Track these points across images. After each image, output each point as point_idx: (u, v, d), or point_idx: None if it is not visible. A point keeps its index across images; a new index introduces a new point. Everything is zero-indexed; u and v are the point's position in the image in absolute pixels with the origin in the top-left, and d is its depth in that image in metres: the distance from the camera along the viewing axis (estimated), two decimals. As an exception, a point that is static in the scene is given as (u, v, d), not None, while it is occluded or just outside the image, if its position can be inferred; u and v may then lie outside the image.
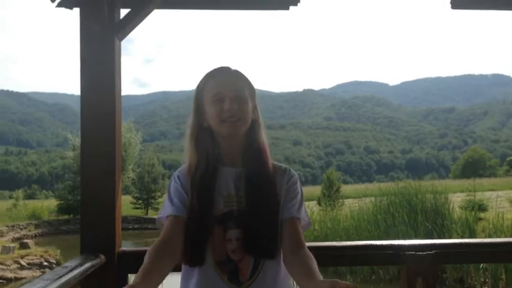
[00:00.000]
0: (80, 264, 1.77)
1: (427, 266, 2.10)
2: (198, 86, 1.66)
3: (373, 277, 11.44)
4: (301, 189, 1.69)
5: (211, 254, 1.55)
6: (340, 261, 2.48)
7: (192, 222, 1.55)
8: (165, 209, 1.63)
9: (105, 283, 2.02)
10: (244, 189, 1.59)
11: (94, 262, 1.89)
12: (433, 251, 2.11)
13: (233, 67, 1.69)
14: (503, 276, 9.56)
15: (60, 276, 1.55)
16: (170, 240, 1.53)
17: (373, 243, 2.25)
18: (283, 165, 1.70)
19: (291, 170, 1.69)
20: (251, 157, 1.62)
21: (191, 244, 1.55)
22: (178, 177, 1.66)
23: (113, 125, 2.15)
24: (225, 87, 1.61)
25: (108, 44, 2.18)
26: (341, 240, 12.12)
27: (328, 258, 2.30)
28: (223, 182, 1.61)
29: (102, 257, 1.98)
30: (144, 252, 2.29)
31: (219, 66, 1.68)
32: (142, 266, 1.45)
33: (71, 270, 1.66)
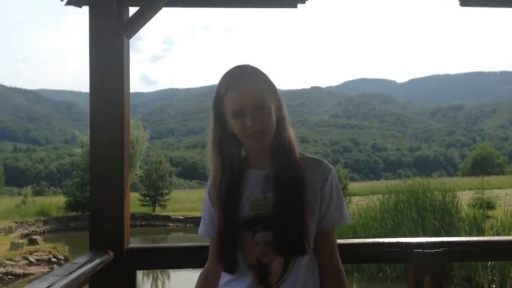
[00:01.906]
0: (89, 261, 1.79)
1: (434, 264, 2.10)
2: (217, 93, 1.58)
3: (380, 275, 11.42)
4: (337, 182, 1.64)
5: (242, 258, 1.56)
6: (347, 259, 2.48)
7: (221, 231, 1.57)
8: (200, 226, 1.73)
9: (114, 279, 2.04)
10: (272, 191, 1.55)
11: (103, 258, 1.90)
12: (441, 249, 2.11)
13: (249, 64, 1.60)
14: (512, 275, 9.51)
15: (70, 272, 1.56)
16: (212, 266, 1.68)
17: (381, 241, 2.25)
18: (316, 157, 1.65)
19: (327, 164, 1.63)
20: (278, 156, 1.58)
21: (222, 253, 1.59)
22: (208, 193, 1.67)
23: (122, 122, 2.16)
24: (246, 100, 1.51)
25: (117, 41, 2.19)
26: (348, 238, 12.10)
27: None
28: (250, 186, 1.58)
29: (111, 253, 2.00)
30: (152, 249, 2.32)
31: (236, 68, 1.59)
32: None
33: (80, 267, 1.67)
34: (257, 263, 1.55)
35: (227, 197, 1.56)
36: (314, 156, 1.65)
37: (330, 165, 1.62)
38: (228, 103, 1.54)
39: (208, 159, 1.62)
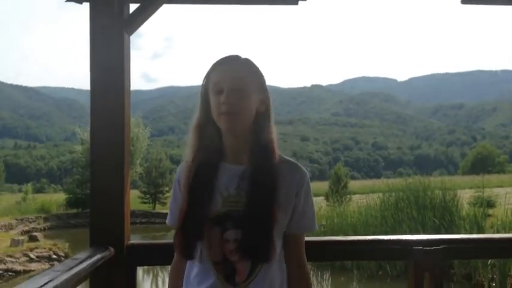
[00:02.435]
0: (90, 256, 1.79)
1: (434, 261, 2.10)
2: (205, 75, 1.59)
3: (380, 272, 11.43)
4: (311, 189, 1.63)
5: (208, 254, 1.53)
6: (347, 256, 2.49)
7: (183, 218, 1.53)
8: (168, 215, 1.69)
9: (114, 275, 2.04)
10: (247, 188, 1.51)
11: (103, 254, 1.91)
12: (441, 246, 2.11)
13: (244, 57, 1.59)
14: (512, 273, 9.52)
15: (71, 268, 1.57)
16: (179, 262, 1.66)
17: (381, 238, 2.25)
18: (293, 160, 1.62)
19: (303, 168, 1.61)
20: (257, 155, 1.54)
21: (183, 241, 1.55)
22: (178, 180, 1.64)
23: (122, 120, 2.16)
24: (226, 77, 1.52)
25: (118, 38, 2.19)
26: (348, 236, 12.12)
27: (335, 252, 2.30)
28: (224, 181, 1.54)
29: (112, 249, 2.00)
30: (152, 245, 2.32)
31: (227, 55, 1.59)
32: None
33: (81, 262, 1.67)
34: (223, 260, 1.52)
35: (198, 187, 1.53)
36: (291, 160, 1.62)
37: (305, 170, 1.61)
38: (211, 81, 1.55)
39: (187, 144, 1.60)
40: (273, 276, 1.55)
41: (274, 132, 1.59)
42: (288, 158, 1.62)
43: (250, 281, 1.52)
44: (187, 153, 1.60)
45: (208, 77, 1.58)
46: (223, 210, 1.52)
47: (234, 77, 1.52)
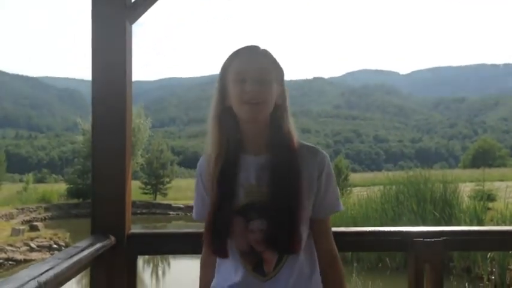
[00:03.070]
0: (91, 245, 1.79)
1: (435, 253, 2.10)
2: (223, 65, 1.58)
3: (380, 265, 11.46)
4: (332, 171, 1.63)
5: (235, 244, 1.54)
6: (347, 247, 2.49)
7: (212, 215, 1.55)
8: (194, 209, 1.73)
9: (115, 263, 2.04)
10: (267, 180, 1.52)
11: (104, 243, 1.91)
12: (442, 238, 2.10)
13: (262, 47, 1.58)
14: None
15: (72, 256, 1.57)
16: (207, 254, 1.68)
17: (381, 230, 2.24)
18: (312, 144, 1.62)
19: (323, 152, 1.60)
20: (276, 145, 1.54)
21: (213, 237, 1.55)
22: (200, 174, 1.66)
23: (123, 110, 2.15)
24: (249, 66, 1.52)
25: (119, 27, 2.17)
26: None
27: (336, 244, 2.30)
28: (245, 172, 1.55)
29: (112, 238, 2.00)
30: (153, 234, 2.32)
31: (247, 45, 1.58)
32: (200, 282, 1.72)
33: (82, 250, 1.67)
34: (250, 250, 1.53)
35: (222, 179, 1.54)
36: (310, 144, 1.62)
37: (324, 152, 1.60)
38: (232, 69, 1.54)
39: (208, 136, 1.59)
40: (302, 265, 1.56)
41: (293, 123, 1.59)
42: (307, 143, 1.62)
43: (278, 270, 1.53)
44: (208, 145, 1.60)
45: (227, 67, 1.56)
46: (246, 201, 1.53)
47: (258, 66, 1.52)
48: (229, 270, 1.57)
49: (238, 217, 1.52)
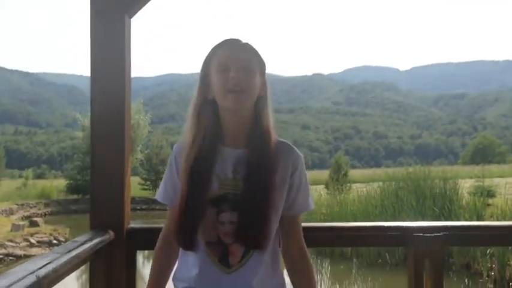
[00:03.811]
0: (90, 239, 1.79)
1: (435, 248, 2.10)
2: (206, 58, 1.58)
3: (379, 261, 11.48)
4: (305, 172, 1.63)
5: (201, 234, 1.52)
6: (347, 243, 2.49)
7: (183, 205, 1.52)
8: (160, 191, 1.70)
9: (114, 258, 2.04)
10: (243, 172, 1.52)
11: (103, 238, 1.90)
12: (441, 233, 2.10)
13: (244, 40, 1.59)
14: (511, 262, 9.54)
15: (70, 250, 1.56)
16: (169, 238, 1.65)
17: (381, 225, 2.24)
18: (287, 141, 1.62)
19: (297, 150, 1.61)
20: (255, 138, 1.54)
21: (182, 228, 1.53)
22: (175, 158, 1.64)
23: (123, 105, 2.14)
24: (233, 56, 1.52)
25: (118, 21, 2.16)
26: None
27: (335, 239, 2.30)
28: (222, 164, 1.54)
29: (112, 233, 2.00)
30: (152, 229, 2.32)
31: (228, 38, 1.59)
32: (152, 268, 1.69)
33: (81, 245, 1.67)
34: (217, 241, 1.52)
35: (196, 170, 1.53)
36: (284, 140, 1.62)
37: (298, 151, 1.61)
38: (215, 60, 1.54)
39: (185, 128, 1.60)
40: (267, 261, 1.56)
41: (272, 118, 1.59)
42: (282, 140, 1.62)
43: (243, 263, 1.53)
44: (185, 135, 1.60)
45: (210, 58, 1.57)
46: (220, 192, 1.53)
47: (242, 56, 1.53)
48: (192, 260, 1.56)
49: (210, 208, 1.52)
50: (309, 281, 1.64)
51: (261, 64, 1.58)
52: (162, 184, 1.69)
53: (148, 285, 1.68)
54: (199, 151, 1.53)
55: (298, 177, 1.59)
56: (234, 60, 1.51)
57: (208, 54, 1.58)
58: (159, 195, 1.70)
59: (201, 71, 1.59)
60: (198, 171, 1.52)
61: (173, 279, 1.66)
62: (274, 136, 1.58)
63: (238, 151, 1.55)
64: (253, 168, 1.51)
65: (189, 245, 1.54)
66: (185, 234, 1.53)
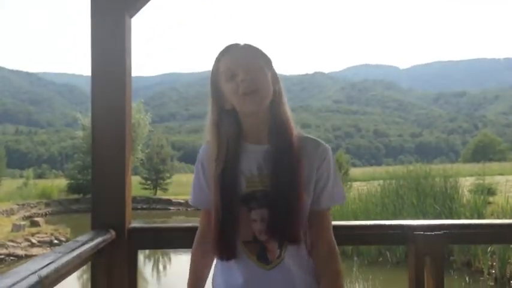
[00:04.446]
0: (91, 239, 1.79)
1: (435, 246, 2.09)
2: (212, 70, 1.59)
3: (380, 259, 11.48)
4: (334, 164, 1.61)
5: (239, 235, 1.54)
6: (348, 241, 2.49)
7: (217, 211, 1.54)
8: (191, 196, 1.72)
9: (116, 257, 2.04)
10: (268, 168, 1.53)
11: (105, 237, 1.90)
12: (442, 232, 2.10)
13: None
14: (512, 260, 9.55)
15: (72, 250, 1.56)
16: (204, 239, 1.68)
17: (382, 223, 2.24)
18: (315, 138, 1.62)
19: (325, 144, 1.60)
20: (276, 133, 1.55)
21: (221, 238, 1.55)
22: (201, 162, 1.65)
23: (123, 105, 2.14)
24: (237, 61, 1.52)
25: (118, 21, 2.15)
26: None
27: (336, 237, 2.28)
28: (247, 162, 1.55)
29: (113, 232, 2.00)
30: (153, 229, 2.32)
31: (228, 44, 1.59)
32: (191, 269, 1.71)
33: (82, 244, 1.67)
34: (253, 240, 1.54)
35: (225, 174, 1.54)
36: (313, 137, 1.62)
37: (328, 146, 1.60)
38: (222, 70, 1.54)
39: (208, 139, 1.61)
40: (303, 254, 1.57)
41: (289, 110, 1.60)
42: (308, 135, 1.63)
43: (282, 259, 1.54)
44: (208, 141, 1.62)
45: (215, 70, 1.58)
46: (248, 190, 1.54)
47: (245, 57, 1.53)
48: (233, 261, 1.58)
49: (242, 207, 1.54)
50: (334, 279, 1.58)
51: (266, 59, 1.57)
52: (192, 190, 1.71)
53: (188, 285, 1.72)
54: (224, 155, 1.55)
55: (326, 168, 1.58)
56: (239, 64, 1.51)
57: (213, 66, 1.59)
58: (191, 200, 1.73)
59: (211, 84, 1.59)
60: (226, 173, 1.54)
61: (212, 282, 1.68)
62: (296, 129, 1.59)
63: (261, 147, 1.56)
64: (277, 164, 1.52)
65: (231, 252, 1.55)
66: (226, 240, 1.55)
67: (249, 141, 1.57)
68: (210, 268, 1.71)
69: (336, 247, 1.61)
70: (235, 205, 1.53)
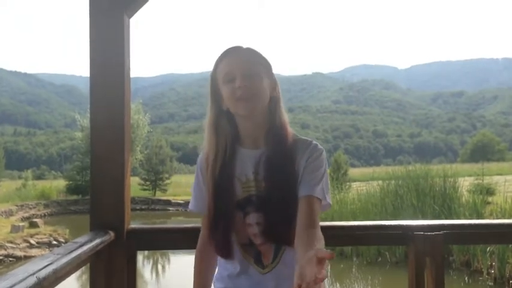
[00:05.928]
0: (90, 240, 1.78)
1: (435, 247, 2.09)
2: (212, 72, 1.61)
3: (380, 259, 11.49)
4: (325, 166, 1.57)
5: (236, 238, 1.57)
6: (347, 241, 2.49)
7: (211, 214, 1.58)
8: (191, 201, 1.73)
9: (115, 259, 2.03)
10: (263, 173, 1.54)
11: (104, 238, 1.89)
12: (442, 232, 2.10)
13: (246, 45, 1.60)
14: (511, 260, 9.54)
15: (71, 251, 1.56)
16: (207, 245, 1.68)
17: (381, 223, 2.24)
18: (309, 139, 1.59)
19: (317, 144, 1.58)
20: (272, 138, 1.56)
21: (216, 236, 1.58)
22: (200, 169, 1.66)
23: (122, 106, 2.13)
24: (236, 65, 1.53)
25: (117, 21, 2.15)
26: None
27: (336, 238, 2.29)
28: (242, 166, 1.56)
29: (112, 233, 1.99)
30: (152, 230, 2.31)
31: (229, 47, 1.61)
32: (195, 273, 1.70)
33: (81, 246, 1.66)
34: (249, 243, 1.56)
35: (220, 178, 1.56)
36: (306, 138, 1.61)
37: (320, 146, 1.58)
38: (221, 72, 1.56)
39: (204, 141, 1.63)
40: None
41: (286, 115, 1.60)
42: (302, 136, 1.62)
43: (277, 262, 1.56)
44: (204, 146, 1.63)
45: (215, 72, 1.59)
46: (244, 195, 1.56)
47: (245, 62, 1.54)
48: (232, 263, 1.60)
49: (237, 211, 1.55)
50: (317, 241, 1.37)
51: (267, 66, 1.58)
52: (192, 195, 1.73)
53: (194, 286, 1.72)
54: (221, 159, 1.56)
55: (311, 160, 1.53)
56: (238, 69, 1.52)
57: (213, 68, 1.60)
58: (190, 205, 1.74)
59: (210, 86, 1.61)
60: (221, 178, 1.56)
61: (214, 283, 1.70)
62: (292, 133, 1.59)
63: (256, 152, 1.57)
64: (272, 168, 1.53)
65: (227, 252, 1.58)
66: (220, 241, 1.58)
67: (244, 146, 1.59)
68: (214, 271, 1.72)
69: (319, 232, 1.43)
70: (231, 209, 1.54)
